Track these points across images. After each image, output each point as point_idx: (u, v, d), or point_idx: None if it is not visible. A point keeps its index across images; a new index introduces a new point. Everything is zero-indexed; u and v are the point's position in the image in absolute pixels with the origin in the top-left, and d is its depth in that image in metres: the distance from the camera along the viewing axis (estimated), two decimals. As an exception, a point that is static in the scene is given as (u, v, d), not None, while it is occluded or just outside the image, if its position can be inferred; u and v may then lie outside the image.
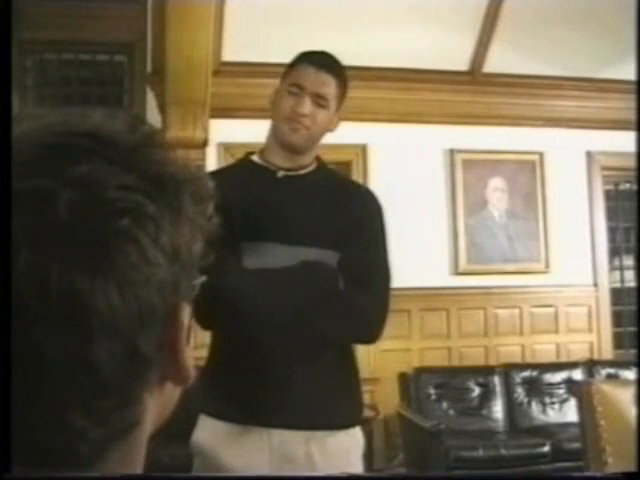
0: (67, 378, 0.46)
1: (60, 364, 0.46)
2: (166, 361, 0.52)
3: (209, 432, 1.83)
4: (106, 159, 0.49)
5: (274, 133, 1.92)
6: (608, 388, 2.75)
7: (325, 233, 1.85)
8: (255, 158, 1.96)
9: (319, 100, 1.86)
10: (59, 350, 0.46)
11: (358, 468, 1.88)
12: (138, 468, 0.53)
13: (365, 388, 3.79)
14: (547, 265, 5.68)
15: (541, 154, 5.73)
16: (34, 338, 0.45)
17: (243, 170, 1.95)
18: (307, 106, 1.85)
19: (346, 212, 1.91)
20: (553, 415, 5.12)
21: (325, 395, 1.82)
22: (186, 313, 0.53)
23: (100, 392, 0.48)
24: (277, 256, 1.80)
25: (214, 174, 2.01)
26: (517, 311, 5.65)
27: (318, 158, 1.99)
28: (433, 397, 5.02)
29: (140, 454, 0.54)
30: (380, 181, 5.19)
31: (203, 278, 0.55)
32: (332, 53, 1.94)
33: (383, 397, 5.10)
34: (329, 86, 1.87)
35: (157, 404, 0.54)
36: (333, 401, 1.83)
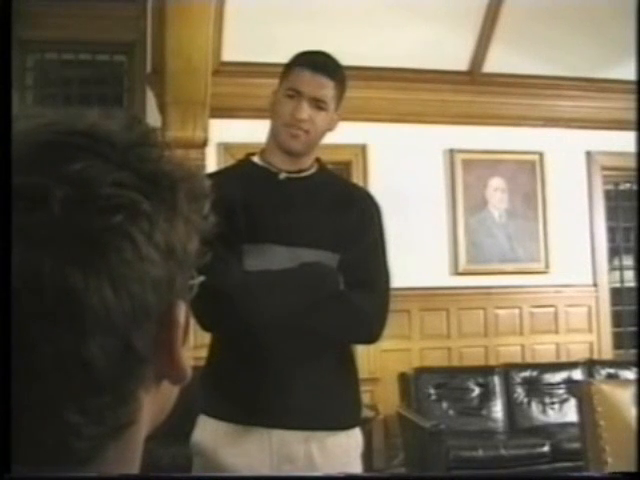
0: (61, 375, 0.46)
1: (54, 361, 0.46)
2: (162, 359, 0.52)
3: (209, 432, 1.83)
4: (101, 157, 0.49)
5: (274, 136, 1.91)
6: (608, 388, 2.75)
7: (326, 235, 1.86)
8: (256, 159, 1.95)
9: (317, 103, 1.85)
10: (53, 347, 0.45)
11: (357, 468, 1.89)
12: (134, 467, 0.53)
13: (365, 388, 3.80)
14: (547, 265, 5.67)
15: (541, 154, 5.73)
16: (28, 335, 0.45)
17: (244, 172, 1.94)
18: (305, 111, 1.84)
19: (346, 214, 1.91)
20: (553, 415, 5.12)
21: (325, 395, 1.82)
22: (182, 312, 0.53)
23: (94, 389, 0.48)
24: (279, 258, 1.81)
25: (215, 175, 2.01)
26: (517, 311, 5.65)
27: (318, 160, 1.99)
28: (433, 397, 5.02)
29: (136, 453, 0.54)
30: (380, 181, 5.20)
31: (201, 278, 0.55)
32: (328, 52, 1.92)
33: (383, 397, 5.10)
34: (326, 88, 1.86)
35: (154, 403, 0.54)
36: (333, 401, 1.84)
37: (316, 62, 1.88)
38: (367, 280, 1.89)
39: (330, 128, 1.92)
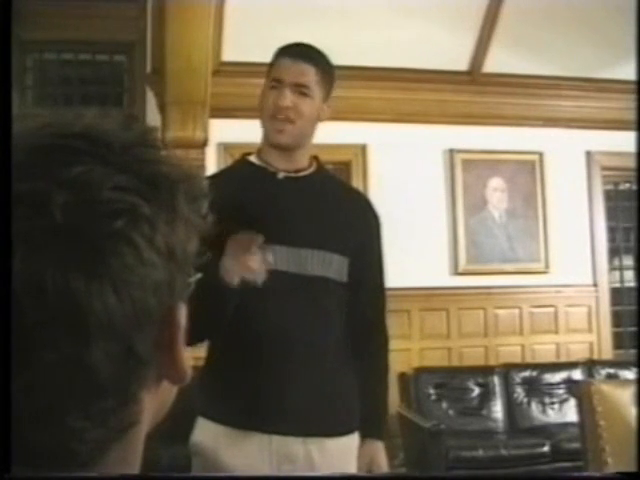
0: (64, 380, 0.46)
1: (57, 366, 0.46)
2: (162, 360, 0.52)
3: (208, 434, 1.82)
4: (99, 159, 0.49)
5: (264, 134, 1.91)
6: (608, 388, 2.74)
7: (332, 237, 1.85)
8: (253, 159, 1.94)
9: (300, 89, 1.84)
10: (56, 352, 0.46)
11: (355, 467, 1.88)
12: (136, 467, 0.54)
13: (365, 388, 3.78)
14: (547, 265, 5.67)
15: (541, 154, 5.73)
16: (31, 340, 0.45)
17: (243, 172, 1.93)
18: (287, 98, 1.82)
19: (353, 218, 1.91)
20: (553, 415, 5.12)
21: (324, 401, 1.81)
22: (182, 313, 0.53)
23: (98, 393, 0.48)
24: (281, 258, 1.79)
25: (214, 177, 1.99)
26: (517, 311, 5.64)
27: (317, 160, 1.97)
28: (433, 397, 5.02)
29: (138, 453, 0.54)
30: (380, 181, 5.20)
31: (198, 275, 0.55)
32: (310, 43, 1.91)
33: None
34: (308, 74, 1.84)
35: (154, 403, 0.54)
36: (332, 407, 1.83)
37: (296, 51, 1.88)
38: (378, 292, 1.95)
39: (320, 119, 1.90)
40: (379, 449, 1.93)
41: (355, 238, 1.89)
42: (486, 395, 5.11)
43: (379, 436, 1.93)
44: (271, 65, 1.90)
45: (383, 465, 1.92)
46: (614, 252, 6.04)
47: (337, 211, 1.90)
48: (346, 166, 5.31)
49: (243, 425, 1.78)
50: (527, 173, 5.70)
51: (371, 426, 1.92)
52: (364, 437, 1.90)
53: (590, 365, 5.35)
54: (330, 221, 1.87)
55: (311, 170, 1.93)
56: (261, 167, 1.91)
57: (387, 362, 2.03)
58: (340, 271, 1.85)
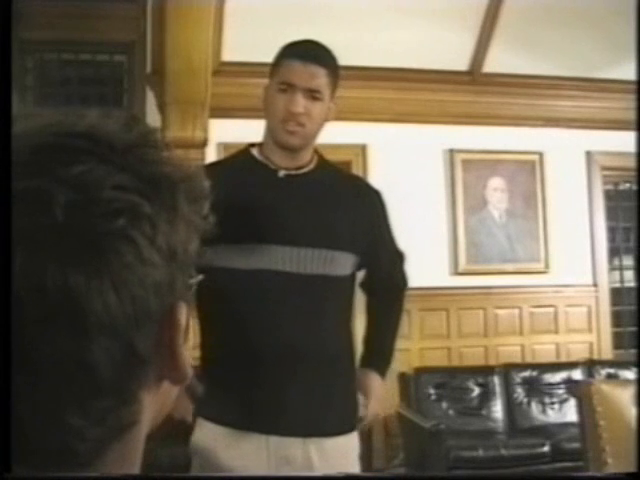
0: (64, 378, 0.46)
1: (57, 364, 0.46)
2: (163, 360, 0.52)
3: (207, 434, 1.82)
4: (101, 159, 0.49)
5: (270, 134, 1.86)
6: (608, 388, 2.74)
7: (332, 233, 1.83)
8: (255, 153, 1.90)
9: (312, 94, 1.79)
10: (56, 350, 0.46)
11: (355, 468, 1.87)
12: (136, 467, 0.53)
13: (365, 388, 3.78)
14: (547, 265, 5.67)
15: (541, 154, 5.73)
16: (31, 338, 0.45)
17: (243, 167, 1.90)
18: (300, 104, 1.78)
19: (352, 210, 1.89)
20: (553, 415, 5.12)
21: (322, 400, 1.81)
22: (183, 313, 0.53)
23: (97, 392, 0.48)
24: (279, 258, 1.79)
25: (213, 167, 1.93)
26: (517, 311, 5.64)
27: (318, 153, 1.94)
28: (433, 397, 5.02)
29: (138, 453, 0.54)
30: (380, 181, 5.17)
31: (200, 277, 0.55)
32: (316, 40, 1.85)
33: (383, 397, 5.08)
34: (319, 77, 1.80)
35: (154, 403, 0.54)
36: (331, 406, 1.82)
37: (305, 51, 1.82)
38: (396, 257, 2.00)
39: (327, 118, 1.86)
40: (374, 379, 1.95)
41: (360, 232, 1.88)
42: (486, 395, 5.10)
43: (377, 367, 1.96)
44: (277, 64, 1.84)
45: (376, 395, 1.94)
46: (614, 252, 6.04)
47: (339, 206, 1.88)
48: (346, 166, 5.31)
49: (241, 426, 1.78)
50: (527, 173, 5.70)
51: (372, 357, 1.96)
52: (361, 366, 1.91)
53: (590, 365, 5.35)
54: (331, 218, 1.85)
55: (312, 166, 1.90)
56: (262, 163, 1.88)
57: (403, 303, 2.09)
58: (343, 266, 1.84)
